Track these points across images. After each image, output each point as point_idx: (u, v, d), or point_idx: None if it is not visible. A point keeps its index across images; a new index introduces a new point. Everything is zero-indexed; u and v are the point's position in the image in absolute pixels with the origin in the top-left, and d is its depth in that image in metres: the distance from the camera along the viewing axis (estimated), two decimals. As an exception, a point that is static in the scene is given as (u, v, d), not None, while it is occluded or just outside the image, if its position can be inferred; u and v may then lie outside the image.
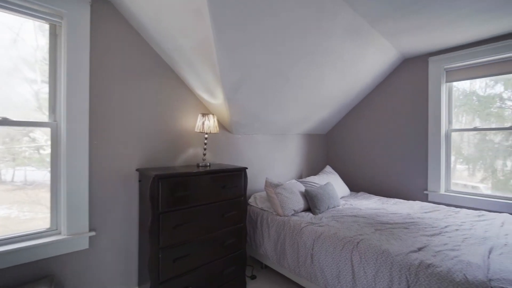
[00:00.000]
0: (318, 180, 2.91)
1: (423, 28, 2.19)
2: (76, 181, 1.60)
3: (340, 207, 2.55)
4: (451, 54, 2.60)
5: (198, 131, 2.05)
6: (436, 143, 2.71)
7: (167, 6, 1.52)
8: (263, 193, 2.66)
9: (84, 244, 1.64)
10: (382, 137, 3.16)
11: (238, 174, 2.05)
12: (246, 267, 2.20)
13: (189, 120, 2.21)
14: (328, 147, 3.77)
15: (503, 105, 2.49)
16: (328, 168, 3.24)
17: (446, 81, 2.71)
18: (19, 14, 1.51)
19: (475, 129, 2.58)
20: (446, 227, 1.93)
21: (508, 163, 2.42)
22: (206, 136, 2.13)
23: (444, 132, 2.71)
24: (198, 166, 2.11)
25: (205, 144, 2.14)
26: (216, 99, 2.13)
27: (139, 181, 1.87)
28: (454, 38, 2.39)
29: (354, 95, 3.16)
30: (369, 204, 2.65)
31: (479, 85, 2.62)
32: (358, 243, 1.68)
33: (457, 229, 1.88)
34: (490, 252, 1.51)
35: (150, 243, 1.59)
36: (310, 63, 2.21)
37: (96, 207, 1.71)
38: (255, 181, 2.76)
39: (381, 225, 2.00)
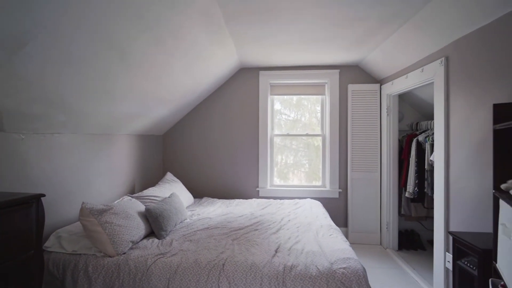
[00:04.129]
0: (159, 192, 2.38)
1: (260, 41, 2.37)
2: None
3: (188, 220, 2.23)
4: (275, 72, 3.13)
5: None
6: (264, 146, 3.16)
7: None
8: (74, 227, 1.72)
9: None
10: (220, 140, 3.21)
11: (21, 211, 1.09)
12: None
13: None
14: (165, 151, 3.28)
15: (280, 117, 3.43)
16: (169, 176, 2.78)
17: (271, 94, 3.23)
18: None
19: (287, 134, 3.30)
20: (281, 220, 2.22)
21: (284, 157, 3.36)
22: None
23: (269, 136, 3.22)
24: None
25: None
26: (-45, 59, 1.01)
27: None
28: (279, 59, 2.87)
29: (197, 94, 2.95)
30: (216, 210, 2.54)
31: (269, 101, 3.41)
32: (223, 264, 1.45)
33: (289, 220, 2.21)
34: (317, 234, 1.86)
35: None
36: (156, 42, 1.68)
37: None
38: (57, 210, 1.73)
39: (235, 233, 1.93)
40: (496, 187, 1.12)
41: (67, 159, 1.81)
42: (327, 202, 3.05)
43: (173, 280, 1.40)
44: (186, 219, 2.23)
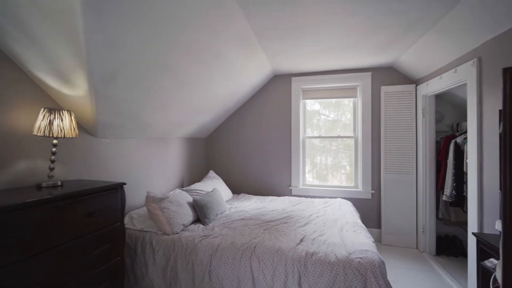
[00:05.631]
0: (204, 186, 2.79)
1: (292, 53, 2.62)
2: None
3: (227, 212, 2.57)
4: (306, 78, 3.32)
5: (41, 134, 1.35)
6: (296, 147, 3.37)
7: None
8: (141, 211, 2.20)
9: None
10: (256, 142, 3.52)
11: (112, 194, 1.55)
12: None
13: (20, 117, 1.41)
14: (208, 151, 3.73)
15: (319, 118, 3.53)
16: (211, 173, 3.19)
17: (303, 98, 3.42)
18: None
19: (319, 136, 3.45)
20: (310, 215, 2.41)
21: (323, 159, 3.45)
22: (55, 142, 1.45)
23: (301, 138, 3.41)
24: (39, 187, 1.40)
25: (54, 153, 1.45)
26: (75, 90, 1.51)
27: None
28: (310, 65, 3.06)
29: (235, 101, 3.31)
30: (251, 204, 2.85)
31: (307, 101, 3.53)
32: (255, 247, 1.73)
33: (317, 216, 2.39)
34: (341, 230, 2.02)
35: None
36: (201, 63, 2.06)
37: None
38: (129, 197, 2.23)
39: (267, 224, 2.19)
40: None
41: (135, 157, 2.32)
42: (359, 203, 3.12)
43: (214, 256, 1.73)
44: (225, 210, 2.58)
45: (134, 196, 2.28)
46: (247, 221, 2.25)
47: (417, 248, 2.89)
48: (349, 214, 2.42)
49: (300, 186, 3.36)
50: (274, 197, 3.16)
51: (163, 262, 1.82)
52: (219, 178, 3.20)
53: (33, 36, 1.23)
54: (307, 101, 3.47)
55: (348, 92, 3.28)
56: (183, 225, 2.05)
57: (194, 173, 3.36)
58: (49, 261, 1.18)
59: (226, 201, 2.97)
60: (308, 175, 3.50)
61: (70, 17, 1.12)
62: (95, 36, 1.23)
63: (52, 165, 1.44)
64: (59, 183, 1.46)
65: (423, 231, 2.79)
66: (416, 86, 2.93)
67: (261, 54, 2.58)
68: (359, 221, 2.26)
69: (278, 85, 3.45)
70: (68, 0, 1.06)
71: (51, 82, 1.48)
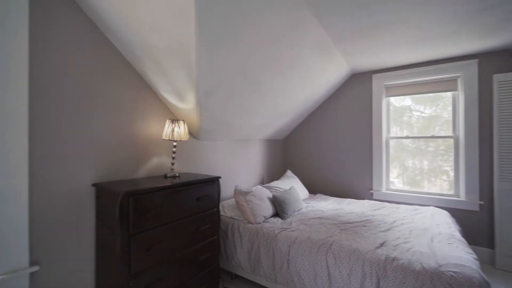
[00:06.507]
0: (282, 184, 3.01)
1: (372, 50, 2.52)
2: (10, 208, 1.25)
3: (304, 209, 2.70)
4: (391, 73, 3.07)
5: (167, 138, 1.87)
6: (378, 149, 3.16)
7: (143, 2, 1.34)
8: (231, 201, 2.61)
9: (22, 284, 1.28)
10: (333, 143, 3.49)
11: (211, 184, 1.95)
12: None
13: (152, 126, 1.99)
14: (285, 152, 3.95)
15: (411, 115, 3.11)
16: (288, 173, 3.39)
17: (386, 96, 3.18)
18: None
19: (407, 137, 3.11)
20: (394, 222, 2.26)
21: (416, 162, 3.03)
22: (175, 144, 1.96)
23: (384, 139, 3.18)
24: (165, 177, 1.92)
25: (174, 152, 1.96)
26: (186, 104, 1.99)
27: (97, 198, 1.58)
28: (394, 60, 2.83)
29: (311, 104, 3.40)
30: (328, 205, 2.88)
31: (395, 98, 3.18)
32: (331, 244, 1.81)
33: (402, 223, 2.22)
34: (431, 241, 1.83)
35: (118, 270, 1.36)
36: (280, 72, 2.28)
37: (39, 235, 1.37)
38: (222, 189, 2.68)
39: (344, 225, 2.21)
40: None
41: (225, 156, 2.77)
42: (460, 214, 2.66)
43: (292, 247, 1.91)
44: (302, 208, 2.72)
45: (224, 189, 2.72)
46: (324, 220, 2.32)
47: (553, 280, 2.23)
48: (444, 225, 2.13)
49: (382, 190, 3.13)
50: (352, 199, 3.07)
51: (248, 246, 2.13)
52: (296, 177, 3.36)
53: (162, 67, 1.73)
54: (394, 96, 3.19)
55: (445, 85, 2.84)
56: (264, 217, 2.31)
57: (272, 172, 3.64)
58: (172, 230, 1.63)
59: (303, 199, 3.10)
60: (396, 180, 3.19)
61: (187, 53, 1.53)
62: (202, 64, 1.62)
63: (173, 161, 1.96)
64: (177, 174, 1.96)
65: None
66: (551, 70, 2.27)
67: (338, 56, 2.60)
68: (457, 234, 1.97)
69: (357, 83, 3.32)
70: (187, 42, 1.46)
71: (171, 99, 2.01)
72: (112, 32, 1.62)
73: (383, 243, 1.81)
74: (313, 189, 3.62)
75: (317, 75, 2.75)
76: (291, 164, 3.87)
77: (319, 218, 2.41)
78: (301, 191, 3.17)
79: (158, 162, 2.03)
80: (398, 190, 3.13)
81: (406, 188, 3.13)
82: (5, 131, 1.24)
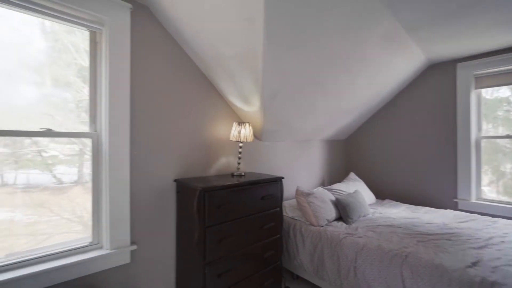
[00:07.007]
0: (345, 187, 2.86)
1: (455, 36, 2.16)
2: (118, 194, 1.55)
3: (371, 215, 2.50)
4: (482, 60, 2.57)
5: (234, 140, 2.01)
6: (466, 150, 2.68)
7: (212, 14, 1.48)
8: (292, 202, 2.62)
9: (125, 259, 1.58)
10: (406, 143, 3.12)
11: (275, 184, 2.00)
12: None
13: (221, 128, 2.16)
14: (347, 153, 3.73)
15: (509, 109, 2.50)
16: (352, 175, 3.19)
17: (476, 87, 2.68)
18: (61, 21, 1.46)
19: (507, 136, 2.55)
20: (490, 238, 1.89)
21: None
22: (240, 145, 2.08)
23: (474, 139, 2.68)
24: (232, 175, 2.06)
25: (240, 153, 2.09)
26: (251, 107, 2.09)
27: (177, 192, 1.82)
28: (486, 44, 2.36)
29: (378, 101, 3.12)
30: (399, 212, 2.60)
31: (485, 89, 2.62)
32: (406, 256, 1.63)
33: (502, 241, 1.83)
34: (549, 267, 1.46)
35: (194, 257, 1.54)
36: (344, 69, 2.17)
37: (136, 219, 1.65)
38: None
39: (422, 236, 1.95)
40: None
41: (286, 157, 2.79)
42: None
43: (360, 254, 1.80)
44: (368, 214, 2.52)
45: (284, 189, 2.75)
46: (395, 229, 2.11)
47: None
48: None
49: (471, 199, 2.65)
50: (430, 208, 2.69)
51: (311, 248, 2.11)
52: (361, 180, 3.14)
53: (231, 73, 1.87)
54: (486, 88, 2.67)
55: None
56: (327, 220, 2.24)
57: (333, 174, 3.49)
58: (239, 226, 1.74)
59: (369, 204, 2.88)
60: (487, 188, 2.68)
61: (254, 59, 1.62)
62: (268, 68, 1.68)
63: (239, 161, 2.09)
64: (243, 173, 2.08)
65: None
66: None
67: (412, 46, 2.32)
68: None
69: (435, 75, 2.90)
70: (254, 48, 1.54)
71: (237, 103, 2.14)
72: (188, 46, 1.83)
73: (476, 262, 1.53)
74: (381, 194, 3.32)
75: (386, 69, 2.52)
76: (354, 166, 3.63)
77: (390, 226, 2.19)
78: (367, 195, 2.95)
79: (226, 162, 2.19)
80: (493, 200, 2.59)
81: (503, 198, 2.57)
82: (114, 136, 1.54)
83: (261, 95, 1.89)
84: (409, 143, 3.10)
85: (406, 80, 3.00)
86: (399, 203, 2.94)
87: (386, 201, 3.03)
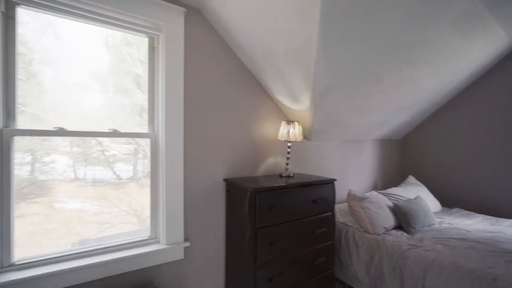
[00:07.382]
0: (403, 192, 2.56)
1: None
2: (173, 191, 1.61)
3: (437, 226, 2.19)
4: None
5: (283, 139, 1.93)
6: None
7: (265, 10, 1.43)
8: (342, 206, 2.44)
9: (179, 255, 1.63)
10: (477, 143, 2.66)
11: (326, 187, 1.87)
12: (331, 288, 2.00)
13: (268, 127, 2.11)
14: (403, 154, 3.35)
15: None
16: (411, 179, 2.85)
17: None
18: (120, 29, 1.56)
19: None
20: None
21: None
22: (289, 144, 2.00)
23: None
24: (281, 176, 1.99)
25: (288, 153, 2.01)
26: (300, 105, 1.99)
27: (227, 191, 1.82)
28: None
29: (443, 95, 2.73)
30: (475, 224, 2.22)
31: None
32: (494, 279, 1.36)
33: None
34: None
35: (246, 259, 1.51)
36: (404, 59, 1.92)
37: (189, 217, 1.70)
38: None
39: (510, 255, 1.62)
40: None
41: (336, 157, 2.62)
42: None
43: (429, 271, 1.56)
44: (434, 224, 2.21)
45: (337, 191, 2.58)
46: (473, 244, 1.79)
47: None
48: None
49: None
50: (518, 221, 2.23)
51: (366, 258, 1.92)
52: (422, 185, 2.78)
53: (280, 71, 1.80)
54: None
55: None
56: (385, 228, 2.02)
57: (387, 177, 3.17)
58: (290, 229, 1.66)
59: (434, 213, 2.53)
60: None
61: (306, 53, 1.52)
62: (321, 62, 1.57)
63: (287, 161, 2.01)
64: (291, 174, 2.00)
65: None
66: None
67: (493, 26, 1.95)
68: None
69: (523, 61, 2.40)
70: (307, 41, 1.44)
71: (285, 101, 2.07)
72: (238, 46, 1.82)
73: None
74: (447, 202, 2.89)
75: (457, 56, 2.16)
76: (413, 169, 3.24)
77: (464, 240, 1.88)
78: (431, 202, 2.59)
79: (274, 162, 2.13)
80: None
81: None
82: (170, 136, 1.61)
83: (312, 92, 1.78)
84: (483, 142, 2.64)
85: (482, 69, 2.56)
86: (472, 212, 2.52)
87: (455, 209, 2.63)
